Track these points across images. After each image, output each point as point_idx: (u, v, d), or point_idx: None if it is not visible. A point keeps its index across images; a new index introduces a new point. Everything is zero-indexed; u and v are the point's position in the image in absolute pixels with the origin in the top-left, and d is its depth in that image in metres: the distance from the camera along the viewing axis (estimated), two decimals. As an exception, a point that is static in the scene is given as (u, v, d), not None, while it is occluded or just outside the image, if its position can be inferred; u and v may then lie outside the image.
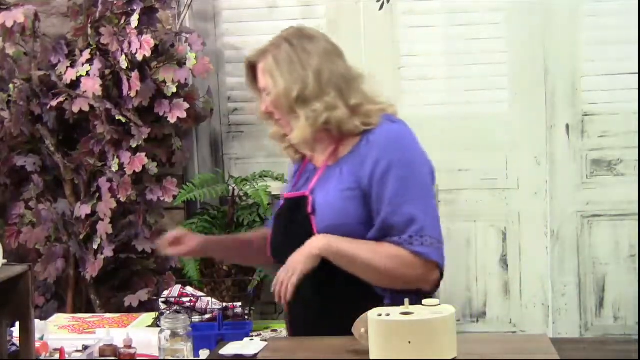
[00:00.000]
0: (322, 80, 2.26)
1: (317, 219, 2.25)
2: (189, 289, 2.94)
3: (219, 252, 2.62)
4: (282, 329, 3.05)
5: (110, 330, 2.32)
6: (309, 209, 2.26)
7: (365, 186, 2.23)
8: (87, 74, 3.51)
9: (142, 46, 3.48)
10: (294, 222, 2.30)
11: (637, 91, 3.72)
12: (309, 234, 2.24)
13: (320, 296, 2.25)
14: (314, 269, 2.19)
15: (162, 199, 3.63)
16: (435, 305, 1.97)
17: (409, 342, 1.87)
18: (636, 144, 3.76)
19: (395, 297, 2.20)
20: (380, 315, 1.94)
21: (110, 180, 3.58)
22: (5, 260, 2.03)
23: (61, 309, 3.71)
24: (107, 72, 3.57)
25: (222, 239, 2.97)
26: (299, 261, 2.19)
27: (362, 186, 2.23)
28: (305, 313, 2.30)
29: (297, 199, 2.31)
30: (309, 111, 2.25)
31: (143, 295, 3.62)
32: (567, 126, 3.84)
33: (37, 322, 2.15)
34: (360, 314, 2.02)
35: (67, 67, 3.59)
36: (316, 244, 2.20)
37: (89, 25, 3.62)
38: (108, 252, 3.57)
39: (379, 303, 2.17)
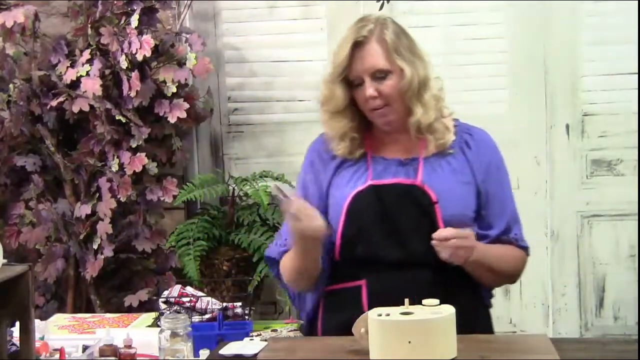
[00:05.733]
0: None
1: (440, 207, 2.25)
2: (189, 289, 2.94)
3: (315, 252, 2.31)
4: (282, 329, 3.05)
5: (110, 330, 2.32)
6: (434, 198, 2.25)
7: (479, 182, 2.32)
8: (87, 74, 3.51)
9: (142, 46, 3.48)
10: (409, 211, 2.25)
11: (637, 91, 3.72)
12: (433, 223, 2.23)
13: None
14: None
15: (162, 199, 3.63)
16: (435, 305, 1.97)
17: (409, 342, 1.88)
18: (636, 144, 3.76)
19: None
20: (380, 315, 1.94)
21: (110, 180, 3.58)
22: (5, 260, 2.03)
23: (61, 309, 3.71)
24: (107, 72, 3.57)
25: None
26: (470, 247, 2.19)
27: (477, 181, 2.32)
28: None
29: (405, 187, 2.27)
30: (433, 96, 2.31)
31: (143, 295, 3.62)
32: (567, 126, 3.84)
33: (37, 322, 2.15)
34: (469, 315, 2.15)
35: (67, 67, 3.59)
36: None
37: (89, 25, 3.62)
38: (108, 252, 3.57)
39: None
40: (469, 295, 2.28)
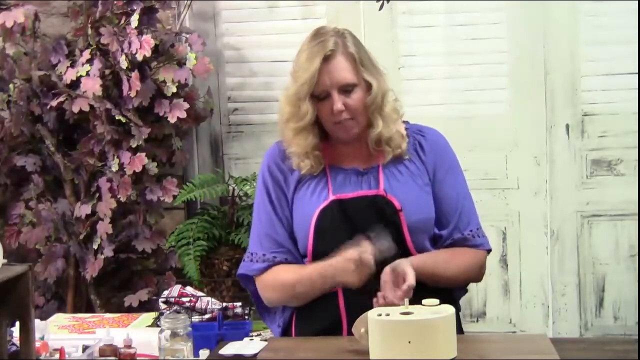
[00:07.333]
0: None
1: (405, 214, 2.26)
2: (189, 289, 2.94)
3: None
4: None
5: (110, 330, 2.32)
6: (398, 206, 2.26)
7: (433, 183, 2.34)
8: (87, 74, 3.51)
9: (142, 46, 3.48)
10: (375, 222, 2.24)
11: (637, 91, 3.72)
12: (398, 230, 2.25)
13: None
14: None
15: (162, 199, 3.63)
16: (435, 305, 1.97)
17: (409, 342, 1.88)
18: (636, 144, 3.76)
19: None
20: (380, 315, 1.94)
21: (110, 180, 3.58)
22: (5, 260, 2.03)
23: (61, 309, 3.71)
24: (107, 72, 3.57)
25: None
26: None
27: (432, 183, 2.34)
28: None
29: (369, 198, 2.28)
30: (392, 109, 2.32)
31: (143, 295, 3.62)
32: (567, 126, 3.84)
33: (37, 322, 2.14)
34: None
35: (67, 67, 3.59)
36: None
37: (89, 25, 3.62)
38: (108, 252, 3.57)
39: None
40: (441, 296, 2.25)
